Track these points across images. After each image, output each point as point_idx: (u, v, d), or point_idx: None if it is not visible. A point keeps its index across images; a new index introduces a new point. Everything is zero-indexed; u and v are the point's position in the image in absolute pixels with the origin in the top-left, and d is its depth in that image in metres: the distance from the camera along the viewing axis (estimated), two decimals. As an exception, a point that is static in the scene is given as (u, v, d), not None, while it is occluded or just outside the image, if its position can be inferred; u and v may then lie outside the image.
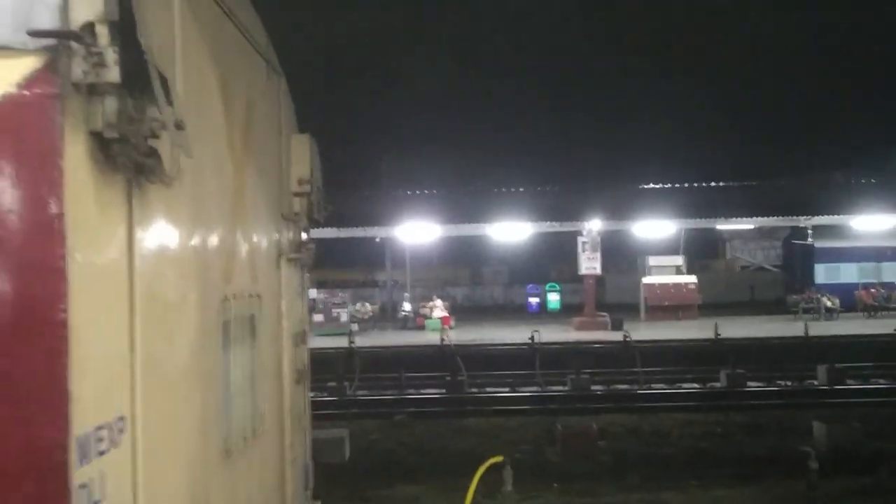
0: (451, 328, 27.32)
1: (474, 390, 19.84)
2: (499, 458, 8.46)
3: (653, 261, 32.63)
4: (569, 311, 32.65)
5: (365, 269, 46.81)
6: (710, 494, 11.23)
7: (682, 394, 18.96)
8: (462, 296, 48.07)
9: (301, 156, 5.19)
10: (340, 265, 43.49)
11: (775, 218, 26.87)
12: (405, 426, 16.19)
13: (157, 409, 2.61)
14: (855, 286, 31.28)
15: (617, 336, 23.20)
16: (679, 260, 32.64)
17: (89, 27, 2.13)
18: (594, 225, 26.54)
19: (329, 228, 23.73)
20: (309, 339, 5.77)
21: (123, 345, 2.44)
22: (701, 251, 46.05)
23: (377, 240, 30.67)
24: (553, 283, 37.36)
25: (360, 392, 19.34)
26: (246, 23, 4.25)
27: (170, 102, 2.52)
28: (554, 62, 14.42)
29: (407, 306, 31.55)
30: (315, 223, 5.83)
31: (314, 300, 27.88)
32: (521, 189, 24.70)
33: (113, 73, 2.14)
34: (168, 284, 2.82)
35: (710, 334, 22.19)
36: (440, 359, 21.15)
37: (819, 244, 32.53)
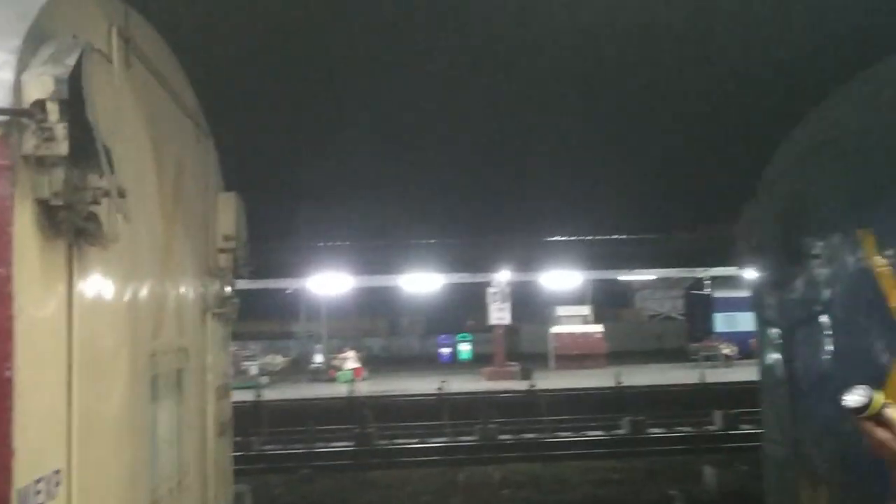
0: (363, 379, 27.27)
1: (383, 442, 19.85)
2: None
3: (561, 311, 33.42)
4: (483, 360, 33.04)
5: (280, 321, 46.28)
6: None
7: (583, 441, 19.35)
8: (379, 346, 47.94)
9: (227, 213, 5.36)
10: (255, 316, 42.95)
11: (674, 270, 28.12)
12: (310, 481, 16.08)
13: (91, 462, 2.72)
14: (750, 334, 32.53)
15: (526, 385, 23.64)
16: (586, 310, 33.54)
17: (40, 104, 2.34)
18: (503, 276, 27.15)
19: (242, 280, 23.45)
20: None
21: (61, 400, 2.56)
22: (612, 300, 47.32)
23: (288, 291, 30.44)
24: (465, 334, 37.73)
25: (267, 446, 19.10)
26: (176, 87, 4.44)
27: (111, 171, 2.70)
28: (463, 120, 14.99)
29: (319, 358, 31.35)
30: (239, 277, 5.95)
31: (223, 353, 27.37)
32: (432, 241, 25.03)
33: (62, 147, 2.34)
34: (103, 341, 2.95)
35: (613, 382, 22.89)
36: (349, 411, 21.08)
37: (717, 294, 33.99)
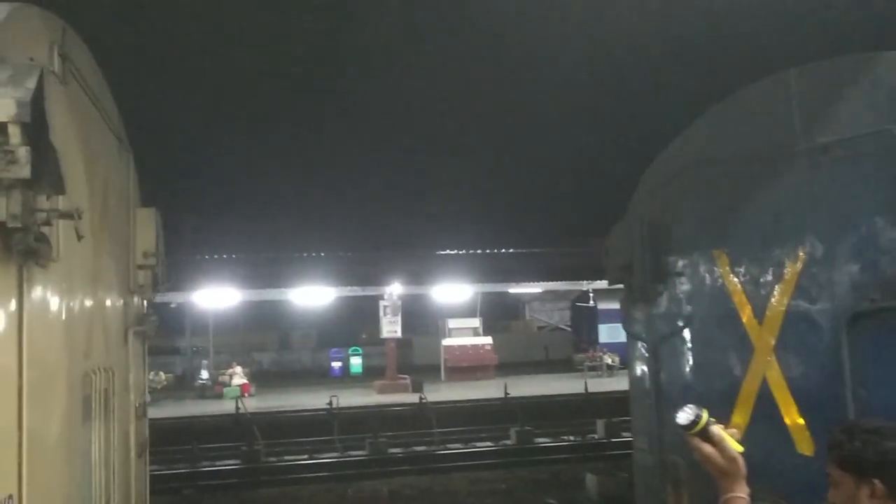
0: (251, 395, 26.70)
1: (272, 459, 19.50)
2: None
3: (452, 323, 33.75)
4: (375, 373, 32.98)
5: (164, 336, 44.75)
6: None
7: (472, 453, 19.61)
8: (269, 361, 47.01)
9: (146, 229, 5.28)
10: (138, 332, 41.22)
11: (561, 283, 29.00)
12: (194, 501, 15.64)
13: (38, 485, 2.65)
14: (633, 345, 33.85)
15: (416, 398, 23.74)
16: (476, 322, 33.99)
17: (2, 128, 2.30)
18: (394, 289, 27.24)
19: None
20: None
21: (13, 423, 2.50)
22: (503, 313, 48.09)
23: (172, 305, 29.51)
24: (355, 347, 37.54)
25: (149, 467, 18.43)
26: (104, 104, 4.35)
27: (64, 192, 2.69)
28: (356, 134, 15.07)
29: (205, 374, 30.49)
30: (156, 293, 5.78)
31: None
32: (322, 254, 24.86)
33: (25, 170, 2.32)
34: (47, 362, 2.89)
35: (502, 393, 23.29)
36: (236, 428, 20.60)
37: (601, 306, 35.17)
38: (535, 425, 20.92)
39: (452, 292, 29.54)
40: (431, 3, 10.03)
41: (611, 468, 16.39)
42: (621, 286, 6.86)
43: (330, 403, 20.81)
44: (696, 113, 6.04)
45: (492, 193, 21.73)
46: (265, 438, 19.60)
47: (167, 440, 20.14)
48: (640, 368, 6.83)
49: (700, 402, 6.14)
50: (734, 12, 8.97)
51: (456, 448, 20.32)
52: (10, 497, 2.46)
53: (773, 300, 5.09)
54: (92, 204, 3.81)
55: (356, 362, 36.35)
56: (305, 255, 25.29)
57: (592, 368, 31.57)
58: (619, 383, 29.23)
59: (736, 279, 5.48)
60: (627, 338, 7.03)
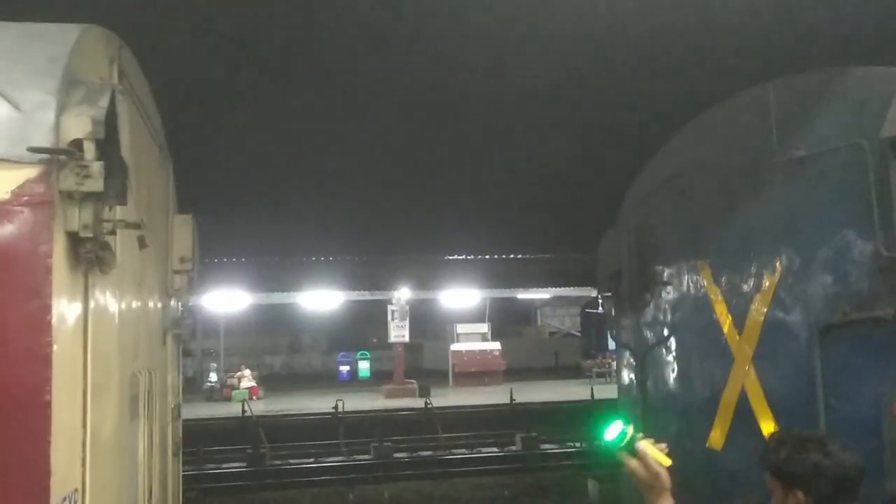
0: (259, 398, 26.85)
1: (277, 462, 19.59)
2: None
3: (460, 328, 33.78)
4: (384, 377, 33.05)
5: (176, 338, 44.95)
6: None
7: (476, 458, 19.62)
8: (280, 364, 47.26)
9: (183, 235, 5.39)
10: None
11: (569, 288, 28.98)
12: (197, 503, 15.76)
13: (97, 481, 2.78)
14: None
15: (424, 403, 23.78)
16: (484, 327, 34.00)
17: (78, 144, 2.43)
18: (403, 294, 27.32)
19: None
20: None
21: (79, 422, 2.64)
22: (514, 318, 48.11)
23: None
24: (364, 351, 37.64)
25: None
26: (150, 113, 4.45)
27: (126, 203, 2.83)
28: (366, 140, 15.25)
29: (213, 377, 30.66)
30: (191, 297, 5.91)
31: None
32: (331, 258, 24.99)
33: (98, 184, 2.45)
34: (105, 363, 3.01)
35: (509, 399, 23.32)
36: (242, 431, 20.72)
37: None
38: (541, 431, 20.91)
39: (461, 297, 29.59)
40: (438, 14, 10.19)
41: (613, 474, 16.36)
42: (606, 295, 6.91)
43: (335, 407, 20.88)
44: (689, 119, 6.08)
45: (501, 198, 21.79)
46: (271, 442, 19.70)
47: (174, 442, 20.25)
48: (628, 377, 6.87)
49: (683, 412, 6.16)
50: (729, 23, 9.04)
51: (461, 453, 20.37)
52: (76, 490, 2.59)
53: (751, 311, 5.13)
54: (137, 209, 3.92)
55: (364, 366, 36.44)
56: (314, 258, 25.42)
57: (601, 375, 31.50)
58: (628, 390, 29.11)
59: (717, 289, 5.52)
60: (616, 346, 7.07)
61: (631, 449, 2.54)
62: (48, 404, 2.34)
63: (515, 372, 32.80)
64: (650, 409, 6.47)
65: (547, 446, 20.71)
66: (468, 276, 27.33)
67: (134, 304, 3.79)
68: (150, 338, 4.37)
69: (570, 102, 13.22)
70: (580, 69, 11.61)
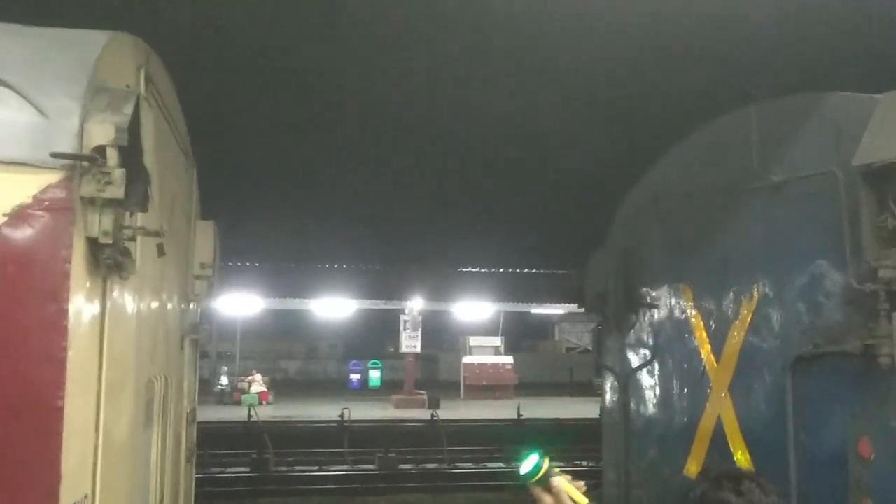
0: (268, 403, 26.88)
1: (282, 469, 19.56)
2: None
3: (473, 341, 33.63)
4: (397, 387, 32.96)
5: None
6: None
7: (480, 473, 19.48)
8: (295, 369, 47.36)
9: (205, 241, 5.41)
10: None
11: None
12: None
13: (108, 486, 2.78)
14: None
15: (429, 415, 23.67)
16: (497, 341, 33.80)
17: (101, 150, 2.45)
18: (415, 304, 27.27)
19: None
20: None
21: (91, 426, 2.65)
22: (531, 332, 47.82)
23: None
24: (375, 360, 37.59)
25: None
26: (176, 120, 4.47)
27: (147, 210, 2.84)
28: (384, 154, 15.36)
29: (224, 380, 30.73)
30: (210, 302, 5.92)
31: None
32: (344, 266, 25.03)
33: (119, 191, 2.47)
34: (120, 368, 3.01)
35: (522, 414, 23.15)
36: (248, 436, 20.74)
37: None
38: (548, 448, 20.67)
39: (474, 310, 29.49)
40: (452, 25, 10.21)
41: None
42: (591, 316, 6.79)
43: (341, 416, 20.83)
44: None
45: (517, 212, 21.72)
46: (276, 447, 19.67)
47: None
48: (611, 400, 6.74)
49: (662, 438, 6.04)
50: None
51: (466, 467, 20.21)
52: (86, 496, 2.59)
53: (729, 338, 5.01)
54: (160, 215, 3.92)
55: (375, 375, 36.37)
56: (328, 266, 25.48)
57: (613, 392, 31.13)
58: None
59: (698, 314, 5.40)
60: (599, 368, 6.97)
61: (545, 483, 2.44)
62: (61, 408, 2.34)
63: (529, 386, 32.55)
64: (632, 434, 6.34)
65: (553, 464, 20.46)
66: (482, 289, 27.25)
67: (152, 309, 3.79)
68: (168, 342, 4.37)
69: (588, 116, 13.18)
70: (596, 80, 11.57)
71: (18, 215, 2.37)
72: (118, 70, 2.97)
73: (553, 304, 30.39)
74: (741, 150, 4.89)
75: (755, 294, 4.75)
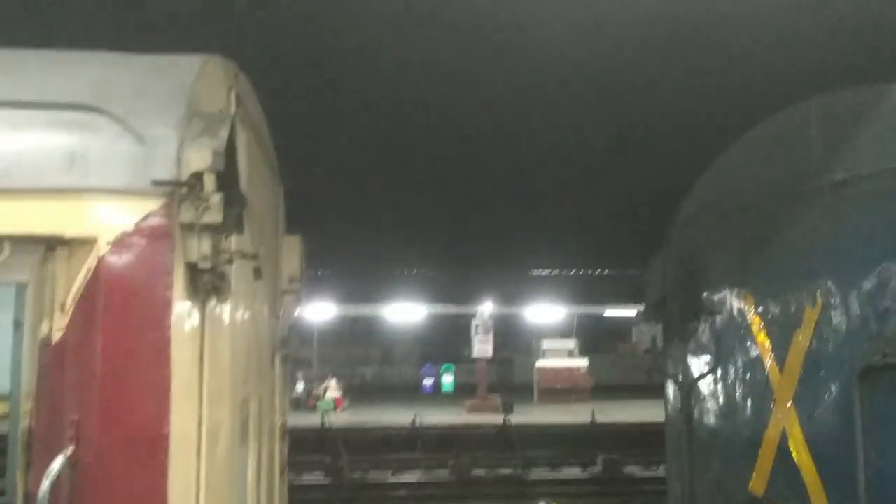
0: (343, 409, 27.13)
1: (356, 475, 19.68)
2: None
3: (546, 344, 33.20)
4: (471, 391, 32.83)
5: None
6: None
7: (554, 480, 19.19)
8: (372, 374, 47.82)
9: (292, 255, 5.45)
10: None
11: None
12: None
13: None
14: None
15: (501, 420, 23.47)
16: (571, 343, 33.27)
17: (198, 176, 2.49)
18: (486, 308, 27.12)
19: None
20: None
21: (194, 453, 2.68)
22: (607, 334, 47.06)
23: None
24: (448, 365, 37.54)
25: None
26: (265, 139, 4.53)
27: (242, 233, 2.90)
28: (453, 159, 15.45)
29: (300, 386, 31.19)
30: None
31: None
32: (414, 272, 25.13)
33: (217, 216, 2.50)
34: (219, 392, 3.06)
35: (597, 418, 22.74)
36: (322, 442, 20.98)
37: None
38: (627, 453, 20.22)
39: (546, 313, 29.14)
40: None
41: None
42: (651, 322, 6.54)
43: (413, 422, 20.86)
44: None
45: (588, 214, 21.42)
46: (350, 453, 19.82)
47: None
48: (674, 409, 6.47)
49: (726, 451, 5.74)
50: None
51: (540, 473, 19.92)
52: None
53: (792, 347, 4.71)
54: (254, 236, 3.93)
55: (447, 380, 36.32)
56: (398, 272, 25.62)
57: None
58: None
59: (760, 321, 5.11)
60: (661, 377, 6.70)
61: None
62: (166, 437, 2.38)
63: (605, 389, 31.97)
64: (696, 445, 6.06)
65: (631, 468, 20.03)
66: (553, 292, 26.92)
67: (246, 329, 3.81)
68: (260, 360, 4.39)
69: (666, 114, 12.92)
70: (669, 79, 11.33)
71: (121, 243, 2.41)
72: (211, 93, 2.99)
73: (627, 306, 29.81)
74: (801, 146, 4.59)
75: (819, 300, 4.44)
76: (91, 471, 2.30)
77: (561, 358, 32.16)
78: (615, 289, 26.11)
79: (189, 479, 2.62)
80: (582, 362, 31.69)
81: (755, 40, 9.24)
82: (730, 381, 5.60)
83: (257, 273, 3.46)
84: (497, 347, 34.19)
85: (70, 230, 2.41)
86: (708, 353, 5.93)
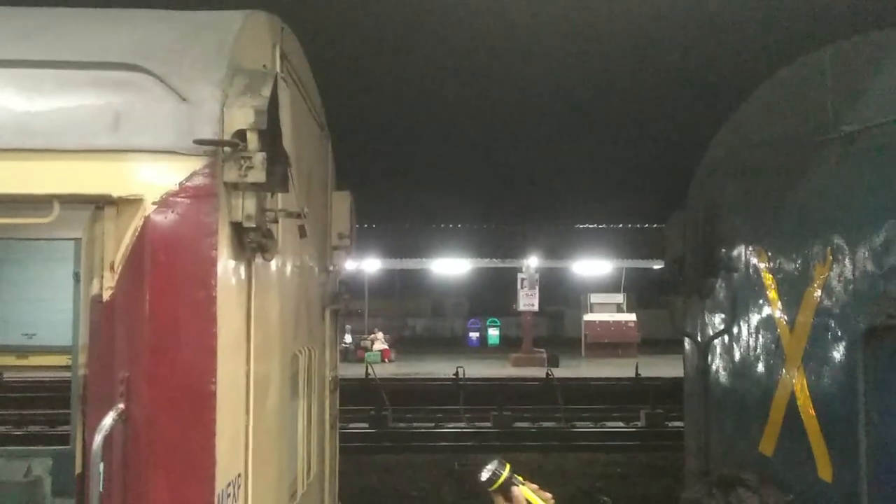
0: (390, 361, 27.50)
1: (400, 425, 19.98)
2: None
3: (594, 298, 32.98)
4: (518, 345, 32.93)
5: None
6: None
7: (596, 433, 19.18)
8: (422, 327, 48.27)
9: (342, 211, 5.50)
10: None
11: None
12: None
13: (259, 464, 2.95)
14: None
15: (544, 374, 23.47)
16: (619, 297, 32.98)
17: (241, 134, 2.52)
18: (532, 262, 27.00)
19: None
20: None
21: (241, 409, 2.78)
22: (658, 288, 46.39)
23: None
24: (494, 319, 37.60)
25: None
26: (311, 93, 4.55)
27: (287, 191, 2.95)
28: (498, 113, 15.31)
29: (348, 338, 31.65)
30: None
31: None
32: (458, 225, 25.07)
33: (261, 175, 2.52)
34: (267, 348, 3.16)
35: (642, 373, 22.61)
36: (366, 392, 21.31)
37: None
38: (669, 408, 20.07)
39: (593, 267, 28.90)
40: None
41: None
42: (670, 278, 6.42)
43: (456, 374, 21.03)
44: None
45: (634, 166, 21.02)
46: (395, 404, 20.09)
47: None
48: (691, 367, 6.37)
49: (739, 411, 5.65)
50: None
51: (585, 427, 19.91)
52: (239, 475, 2.70)
53: (802, 306, 4.57)
54: (299, 192, 3.95)
55: (493, 333, 36.43)
56: (443, 226, 25.60)
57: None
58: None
59: (772, 279, 4.96)
60: (679, 334, 6.59)
61: (505, 491, 2.27)
62: (213, 394, 2.42)
63: (654, 343, 31.65)
64: (712, 404, 5.98)
65: (675, 423, 19.89)
66: (600, 246, 26.62)
67: (294, 286, 3.84)
68: (310, 316, 4.43)
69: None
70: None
71: (165, 203, 2.42)
72: (254, 50, 2.97)
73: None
74: (816, 97, 4.38)
75: (829, 256, 4.28)
76: (141, 427, 2.36)
77: (609, 312, 31.98)
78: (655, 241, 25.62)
79: (237, 433, 2.67)
80: (630, 316, 31.44)
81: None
82: (743, 340, 5.47)
83: (302, 231, 3.47)
84: (548, 301, 34.04)
85: (116, 190, 2.43)
86: (724, 311, 5.80)
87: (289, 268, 3.63)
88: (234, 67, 2.63)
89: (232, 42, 2.70)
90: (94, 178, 2.43)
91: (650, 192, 22.49)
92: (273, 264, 3.12)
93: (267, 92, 2.54)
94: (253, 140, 2.48)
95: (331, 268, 5.35)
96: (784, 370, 4.76)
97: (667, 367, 24.99)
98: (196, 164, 2.45)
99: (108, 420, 2.30)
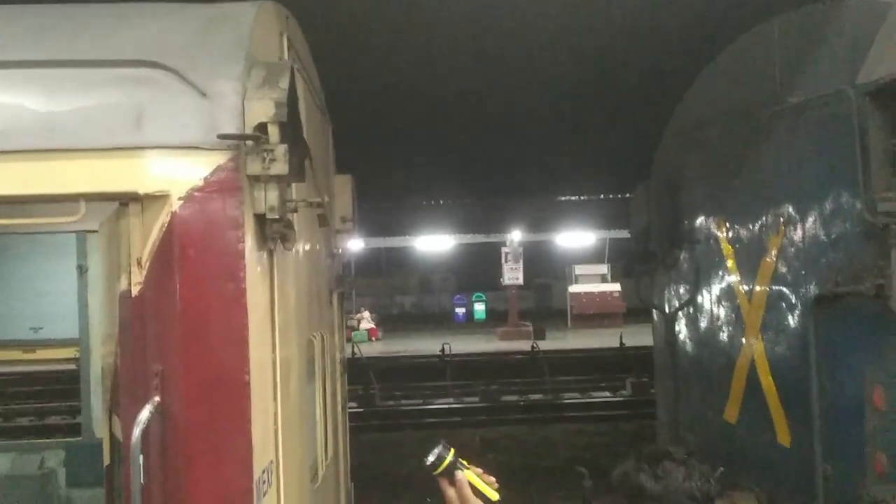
0: (377, 339, 27.57)
1: (389, 403, 20.07)
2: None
3: (579, 269, 33.05)
4: (504, 319, 33.00)
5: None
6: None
7: (582, 403, 19.36)
8: (410, 303, 48.27)
9: (344, 195, 5.56)
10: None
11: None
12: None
13: (287, 448, 3.00)
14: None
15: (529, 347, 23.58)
16: (604, 268, 33.00)
17: (262, 127, 2.52)
18: (515, 236, 27.04)
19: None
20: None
21: (270, 397, 2.82)
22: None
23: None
24: (479, 294, 37.59)
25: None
26: (312, 77, 4.53)
27: (304, 181, 2.95)
28: (478, 87, 15.23)
29: (335, 318, 31.65)
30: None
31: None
32: (441, 202, 25.00)
33: (283, 167, 2.53)
34: (288, 335, 3.18)
35: (629, 342, 22.72)
36: (354, 370, 21.37)
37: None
38: (653, 376, 20.23)
39: (576, 238, 28.97)
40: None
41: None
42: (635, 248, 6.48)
43: (442, 350, 21.12)
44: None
45: (615, 137, 20.99)
46: (382, 382, 20.14)
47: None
48: (659, 339, 6.46)
49: (705, 380, 5.74)
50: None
51: (570, 398, 20.05)
52: (272, 462, 2.76)
53: (758, 275, 4.64)
54: (317, 186, 3.94)
55: (479, 308, 36.46)
56: (425, 203, 25.50)
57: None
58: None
59: (731, 250, 5.03)
60: (646, 304, 6.67)
61: (449, 475, 2.30)
62: (247, 384, 2.46)
63: (639, 313, 31.75)
64: (680, 374, 6.07)
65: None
66: (583, 217, 26.62)
67: (307, 272, 3.87)
68: (321, 301, 4.47)
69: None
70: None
71: (191, 198, 2.44)
72: (266, 41, 2.98)
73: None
74: (765, 68, 4.42)
75: (781, 228, 4.34)
76: (178, 419, 2.39)
77: (593, 283, 32.07)
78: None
79: (268, 420, 2.71)
80: (614, 286, 31.44)
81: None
82: (707, 311, 5.56)
83: (322, 220, 3.44)
84: (534, 274, 34.04)
85: (142, 187, 2.45)
86: (688, 281, 5.87)
87: (302, 255, 3.68)
88: (252, 60, 2.64)
89: (247, 35, 2.70)
90: (119, 175, 2.46)
91: (631, 161, 22.54)
92: (290, 254, 3.16)
93: (285, 84, 2.55)
94: (274, 133, 2.50)
95: (336, 251, 5.36)
96: (744, 339, 4.85)
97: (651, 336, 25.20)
98: (219, 158, 2.47)
99: (146, 413, 2.33)
